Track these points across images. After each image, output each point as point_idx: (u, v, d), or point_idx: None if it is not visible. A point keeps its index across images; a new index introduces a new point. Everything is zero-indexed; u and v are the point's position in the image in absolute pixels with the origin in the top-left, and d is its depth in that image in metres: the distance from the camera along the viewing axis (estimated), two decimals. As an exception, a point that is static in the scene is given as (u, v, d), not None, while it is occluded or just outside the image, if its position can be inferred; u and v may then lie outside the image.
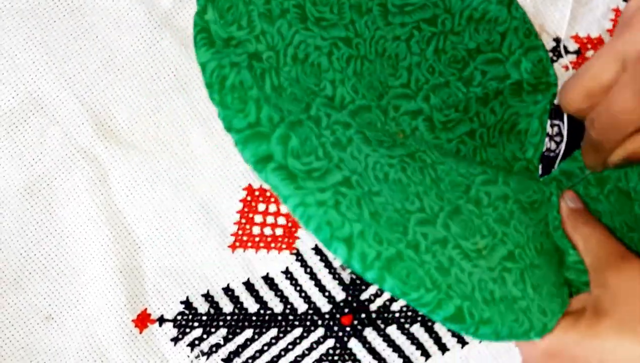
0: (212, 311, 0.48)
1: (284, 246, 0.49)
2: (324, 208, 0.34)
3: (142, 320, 0.47)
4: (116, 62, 0.48)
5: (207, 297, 0.48)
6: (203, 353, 0.48)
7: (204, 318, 0.48)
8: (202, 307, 0.48)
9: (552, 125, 0.45)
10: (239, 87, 0.35)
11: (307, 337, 0.48)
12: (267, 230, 0.49)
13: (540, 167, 0.45)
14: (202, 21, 0.36)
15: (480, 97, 0.46)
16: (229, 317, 0.48)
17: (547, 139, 0.45)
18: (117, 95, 0.48)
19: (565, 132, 0.45)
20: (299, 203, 0.34)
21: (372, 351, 0.48)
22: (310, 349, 0.48)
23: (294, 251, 0.49)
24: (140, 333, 0.47)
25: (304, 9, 0.40)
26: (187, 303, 0.48)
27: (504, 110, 0.46)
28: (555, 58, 0.48)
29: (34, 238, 0.47)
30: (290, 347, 0.48)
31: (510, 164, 0.46)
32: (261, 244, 0.49)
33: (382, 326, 0.49)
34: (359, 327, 0.49)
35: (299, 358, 0.48)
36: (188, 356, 0.47)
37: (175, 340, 0.48)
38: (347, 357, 0.48)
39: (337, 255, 0.34)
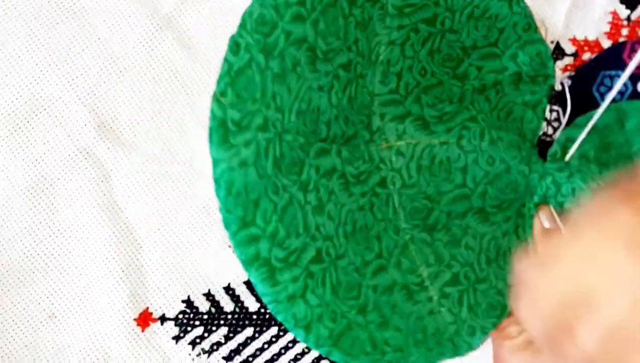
0: (213, 310, 0.48)
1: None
2: (292, 301, 0.39)
3: (144, 319, 0.48)
4: (118, 63, 0.48)
5: (208, 296, 0.49)
6: (204, 352, 0.48)
7: (205, 317, 0.48)
8: (203, 305, 0.48)
9: (551, 110, 0.46)
10: (244, 193, 0.37)
11: (306, 335, 0.49)
12: (268, 230, 0.49)
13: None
14: (220, 108, 0.36)
15: (478, 88, 0.46)
16: (229, 316, 0.49)
17: (544, 124, 0.46)
18: (119, 96, 0.48)
19: (564, 119, 0.46)
20: (271, 301, 0.39)
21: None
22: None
23: (294, 251, 0.49)
24: (142, 331, 0.48)
25: (314, 49, 0.40)
26: (189, 302, 0.48)
27: (498, 98, 0.46)
28: (553, 60, 0.49)
29: (36, 238, 0.48)
30: (290, 344, 0.49)
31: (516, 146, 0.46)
32: (261, 244, 0.49)
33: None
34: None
35: (299, 356, 0.49)
36: (189, 354, 0.48)
37: (177, 338, 0.48)
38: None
39: (296, 337, 0.40)
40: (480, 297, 0.44)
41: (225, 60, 0.36)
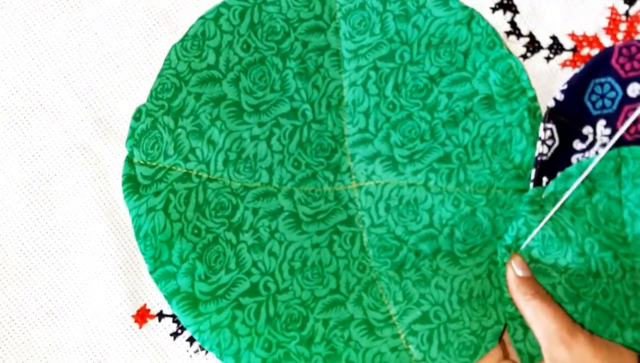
0: (211, 306, 0.48)
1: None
2: (216, 331, 0.43)
3: (142, 316, 0.48)
4: (115, 59, 0.48)
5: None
6: (202, 348, 0.48)
7: (203, 313, 0.48)
8: (201, 302, 0.48)
9: (544, 129, 0.46)
10: (151, 234, 0.43)
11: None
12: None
13: (533, 171, 0.46)
14: (130, 166, 0.44)
15: (448, 121, 0.46)
16: (227, 312, 0.48)
17: (539, 143, 0.46)
18: (116, 91, 0.48)
19: (557, 135, 0.46)
20: (195, 331, 0.43)
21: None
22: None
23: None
24: (140, 328, 0.48)
25: (239, 104, 0.45)
26: (187, 299, 0.48)
27: (478, 126, 0.46)
28: (552, 55, 0.49)
29: (33, 235, 0.48)
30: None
31: (498, 177, 0.46)
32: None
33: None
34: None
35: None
36: (187, 350, 0.48)
37: (175, 335, 0.48)
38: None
39: None
40: (451, 336, 0.44)
41: (130, 127, 0.44)
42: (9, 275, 0.48)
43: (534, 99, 0.46)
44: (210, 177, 0.44)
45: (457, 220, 0.45)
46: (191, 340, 0.48)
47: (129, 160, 0.44)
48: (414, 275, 0.45)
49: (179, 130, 0.44)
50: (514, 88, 0.46)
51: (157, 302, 0.48)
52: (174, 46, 0.45)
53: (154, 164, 0.44)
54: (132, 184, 0.43)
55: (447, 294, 0.45)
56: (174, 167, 0.44)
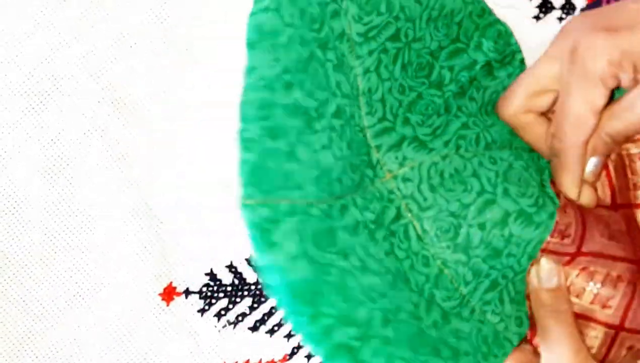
0: (236, 281, 0.49)
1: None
2: None
3: (169, 294, 0.48)
4: (128, 38, 0.48)
5: (231, 267, 0.49)
6: (230, 323, 0.48)
7: (229, 288, 0.49)
8: (227, 277, 0.49)
9: None
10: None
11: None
12: (287, 200, 0.49)
13: None
14: (252, 212, 0.35)
15: (457, 92, 0.45)
16: (253, 287, 0.49)
17: None
18: (131, 71, 0.48)
19: None
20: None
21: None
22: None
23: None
24: (167, 306, 0.48)
25: (307, 111, 0.38)
26: (212, 275, 0.49)
27: (482, 94, 0.46)
28: (564, 16, 0.49)
29: (56, 218, 0.48)
30: (313, 313, 0.49)
31: (514, 135, 0.45)
32: (281, 213, 0.49)
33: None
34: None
35: (324, 323, 0.49)
36: (215, 326, 0.48)
37: (202, 311, 0.48)
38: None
39: None
40: (519, 286, 0.43)
41: (242, 161, 0.36)
42: (35, 259, 0.48)
43: (522, 61, 0.46)
44: (308, 203, 0.38)
45: (502, 176, 0.44)
46: (219, 315, 0.48)
47: (246, 205, 0.36)
48: (483, 252, 0.43)
49: (278, 153, 0.37)
50: (506, 53, 0.46)
51: (183, 279, 0.48)
52: None
53: (270, 201, 0.37)
54: (261, 234, 0.36)
55: (517, 259, 0.43)
56: (282, 200, 0.37)
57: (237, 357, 0.48)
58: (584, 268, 0.42)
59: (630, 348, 0.42)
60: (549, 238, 0.42)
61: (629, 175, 0.41)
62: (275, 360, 0.49)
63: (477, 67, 0.46)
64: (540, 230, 0.42)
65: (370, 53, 0.43)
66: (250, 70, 0.37)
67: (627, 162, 0.41)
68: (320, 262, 0.37)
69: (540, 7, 0.48)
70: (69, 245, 0.48)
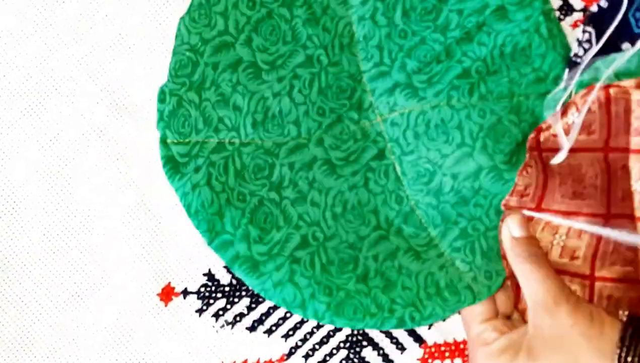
0: (234, 282, 0.49)
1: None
2: (279, 287, 0.44)
3: (167, 294, 0.48)
4: (127, 39, 0.48)
5: (229, 268, 0.49)
6: (228, 323, 0.49)
7: (227, 289, 0.49)
8: (225, 278, 0.49)
9: (584, 31, 0.45)
10: (201, 209, 0.44)
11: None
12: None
13: (566, 70, 0.45)
14: (166, 148, 0.44)
15: (461, 38, 0.46)
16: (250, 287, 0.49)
17: (576, 44, 0.45)
18: (129, 73, 0.48)
19: (594, 41, 0.45)
20: (260, 290, 0.44)
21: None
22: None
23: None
24: (166, 306, 0.48)
25: (255, 64, 0.45)
26: (210, 275, 0.49)
27: (494, 38, 0.46)
28: (562, 17, 0.49)
29: (55, 219, 0.48)
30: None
31: (518, 83, 0.46)
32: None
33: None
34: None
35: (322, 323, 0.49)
36: (213, 326, 0.49)
37: (200, 311, 0.49)
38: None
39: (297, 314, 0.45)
40: (492, 242, 0.45)
41: (157, 110, 0.44)
42: (34, 259, 0.48)
43: (546, 0, 0.46)
44: (242, 141, 0.45)
45: (486, 131, 0.45)
46: (216, 316, 0.49)
47: (163, 141, 0.44)
48: (452, 198, 0.46)
49: (204, 103, 0.45)
50: None
51: (182, 279, 0.48)
52: (182, 19, 0.45)
53: (188, 140, 0.44)
54: (172, 165, 0.44)
55: (485, 210, 0.45)
56: (207, 140, 0.45)
57: (235, 357, 0.49)
58: (547, 223, 0.44)
59: (609, 298, 0.43)
60: (507, 196, 0.44)
61: (631, 120, 0.42)
62: (273, 360, 0.49)
63: (487, 11, 0.46)
64: (508, 186, 0.45)
65: (364, 3, 0.46)
66: (179, 41, 0.45)
67: (633, 107, 0.42)
68: (237, 190, 0.44)
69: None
70: (68, 245, 0.48)
